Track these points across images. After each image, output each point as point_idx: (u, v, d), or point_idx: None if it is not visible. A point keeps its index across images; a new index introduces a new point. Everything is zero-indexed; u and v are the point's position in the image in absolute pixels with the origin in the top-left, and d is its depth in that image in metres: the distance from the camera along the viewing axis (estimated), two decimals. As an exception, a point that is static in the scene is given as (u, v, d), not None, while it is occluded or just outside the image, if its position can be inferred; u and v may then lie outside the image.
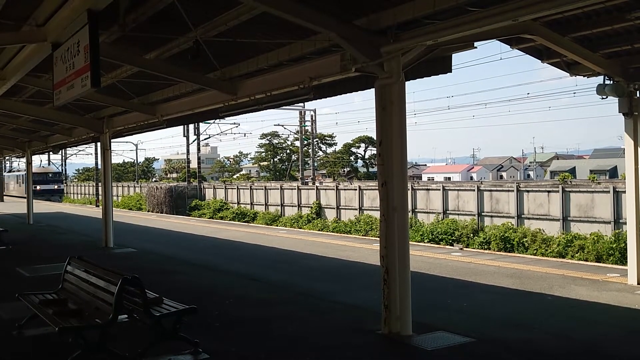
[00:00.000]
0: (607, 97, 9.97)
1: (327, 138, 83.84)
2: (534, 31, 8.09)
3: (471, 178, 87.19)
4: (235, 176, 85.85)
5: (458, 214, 31.16)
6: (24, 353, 7.04)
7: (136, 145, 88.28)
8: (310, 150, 61.06)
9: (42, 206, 39.82)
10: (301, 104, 47.70)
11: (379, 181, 7.58)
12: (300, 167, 56.84)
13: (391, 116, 7.39)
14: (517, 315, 8.48)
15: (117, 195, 56.08)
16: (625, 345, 7.07)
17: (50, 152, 47.02)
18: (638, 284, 9.86)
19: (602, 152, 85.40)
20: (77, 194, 72.80)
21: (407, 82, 7.58)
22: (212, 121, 47.66)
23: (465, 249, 17.27)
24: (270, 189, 38.75)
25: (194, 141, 54.05)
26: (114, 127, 17.15)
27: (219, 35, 8.74)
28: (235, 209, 40.08)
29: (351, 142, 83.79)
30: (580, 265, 12.72)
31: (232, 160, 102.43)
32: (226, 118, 27.09)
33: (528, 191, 28.91)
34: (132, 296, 6.56)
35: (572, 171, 73.07)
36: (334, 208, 37.89)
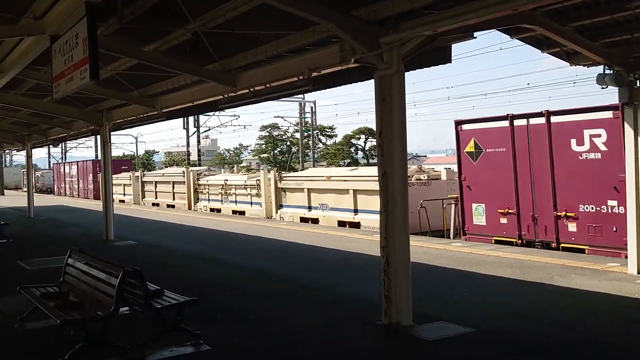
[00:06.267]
0: (607, 87, 9.94)
1: (327, 130, 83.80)
2: (533, 21, 8.06)
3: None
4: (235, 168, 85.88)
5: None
6: (26, 346, 7.07)
7: (136, 137, 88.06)
8: (310, 142, 61.09)
9: (42, 199, 39.89)
10: (301, 96, 47.70)
11: (379, 172, 7.58)
12: (300, 159, 56.89)
13: (391, 107, 7.38)
14: (517, 305, 8.50)
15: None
16: (625, 335, 7.09)
17: (50, 145, 47.41)
18: (638, 273, 9.88)
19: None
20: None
21: (406, 73, 7.57)
22: (211, 113, 47.73)
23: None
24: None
25: (193, 133, 54.15)
26: (113, 120, 17.16)
27: (217, 27, 8.71)
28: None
29: (351, 133, 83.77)
30: (581, 254, 12.73)
31: (232, 152, 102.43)
32: (226, 110, 27.30)
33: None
34: (133, 288, 6.58)
35: (573, 161, 72.82)
36: (335, 199, 37.99)
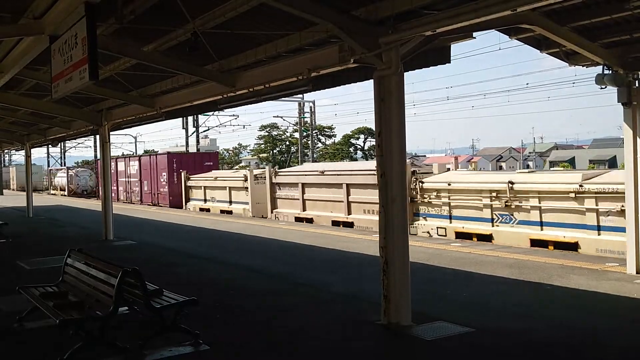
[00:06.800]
0: (606, 87, 9.97)
1: (326, 129, 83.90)
2: (532, 21, 8.07)
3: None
4: (235, 168, 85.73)
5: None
6: (25, 345, 7.07)
7: (135, 137, 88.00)
8: (309, 142, 61.12)
9: (41, 199, 39.85)
10: (300, 96, 47.72)
11: (378, 172, 7.59)
12: (299, 159, 56.86)
13: (390, 107, 7.39)
14: (516, 305, 8.51)
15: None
16: (624, 334, 7.10)
17: (50, 145, 45.59)
18: (637, 273, 9.89)
19: (601, 142, 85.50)
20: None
21: (406, 73, 7.58)
22: (210, 113, 47.65)
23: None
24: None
25: (192, 133, 54.11)
26: (112, 120, 17.15)
27: (217, 27, 8.72)
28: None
29: (350, 133, 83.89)
30: (579, 254, 12.74)
31: (231, 152, 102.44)
32: (225, 110, 26.68)
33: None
34: (132, 288, 6.59)
35: (572, 161, 73.26)
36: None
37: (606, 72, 9.85)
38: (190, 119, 52.53)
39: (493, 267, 11.12)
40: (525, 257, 11.92)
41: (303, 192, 22.08)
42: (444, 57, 8.46)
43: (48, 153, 75.26)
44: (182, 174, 31.35)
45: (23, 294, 7.59)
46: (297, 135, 63.41)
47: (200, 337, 6.79)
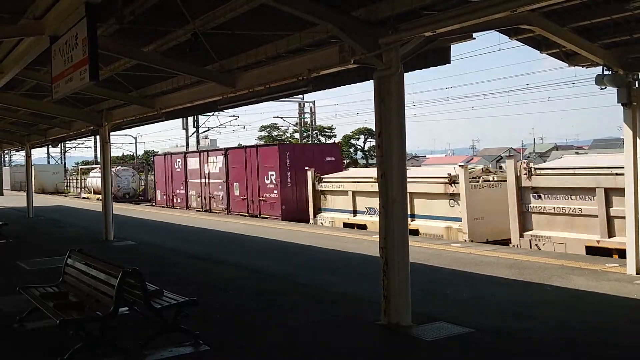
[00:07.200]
0: (606, 88, 9.97)
1: (326, 130, 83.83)
2: (532, 22, 8.08)
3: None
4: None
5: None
6: (25, 346, 7.07)
7: (135, 138, 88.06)
8: (309, 142, 61.09)
9: (41, 199, 39.84)
10: (300, 96, 47.71)
11: (378, 172, 7.59)
12: (299, 159, 56.82)
13: (390, 107, 7.39)
14: (516, 305, 8.50)
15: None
16: (624, 335, 7.10)
17: (50, 145, 45.03)
18: (637, 273, 9.89)
19: (601, 142, 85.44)
20: (76, 187, 70.81)
21: (406, 73, 7.58)
22: (211, 114, 47.63)
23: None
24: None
25: (193, 134, 54.20)
26: (113, 120, 17.17)
27: (217, 27, 8.73)
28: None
29: (350, 133, 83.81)
30: (579, 255, 12.74)
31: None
32: (225, 110, 26.37)
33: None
34: (132, 289, 6.59)
35: (572, 161, 72.89)
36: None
37: (606, 72, 9.84)
38: (190, 119, 52.59)
39: (493, 267, 11.12)
40: (525, 258, 11.92)
41: (608, 204, 13.05)
42: (444, 58, 8.47)
43: (48, 153, 75.31)
44: (309, 173, 22.40)
45: (23, 294, 7.60)
46: (297, 135, 63.37)
47: (200, 337, 6.80)
